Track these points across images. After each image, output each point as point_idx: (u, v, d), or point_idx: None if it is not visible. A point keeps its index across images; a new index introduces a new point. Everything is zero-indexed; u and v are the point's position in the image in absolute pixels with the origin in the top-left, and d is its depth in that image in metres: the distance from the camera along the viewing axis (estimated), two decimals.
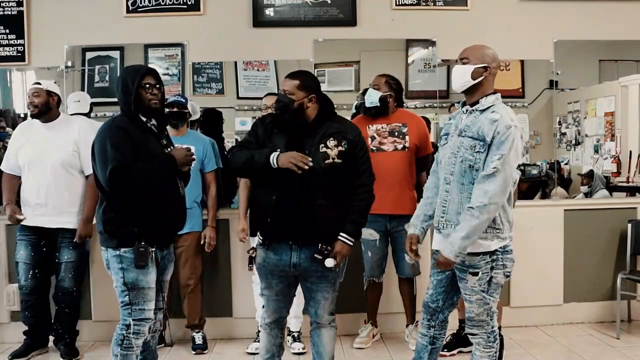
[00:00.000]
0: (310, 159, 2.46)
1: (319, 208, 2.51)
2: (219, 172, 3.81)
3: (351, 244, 2.61)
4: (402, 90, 3.84)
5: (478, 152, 2.43)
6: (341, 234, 2.58)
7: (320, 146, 2.53)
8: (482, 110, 2.48)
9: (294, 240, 2.56)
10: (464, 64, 2.50)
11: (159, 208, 2.62)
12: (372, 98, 3.67)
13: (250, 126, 2.71)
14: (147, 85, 2.63)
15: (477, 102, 2.50)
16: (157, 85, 2.67)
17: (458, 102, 2.71)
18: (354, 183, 2.60)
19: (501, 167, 2.37)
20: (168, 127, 3.15)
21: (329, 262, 2.55)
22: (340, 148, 2.54)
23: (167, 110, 3.19)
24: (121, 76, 2.73)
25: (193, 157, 2.75)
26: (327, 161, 2.51)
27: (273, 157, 2.48)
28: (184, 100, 3.73)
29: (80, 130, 3.52)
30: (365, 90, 3.77)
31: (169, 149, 2.73)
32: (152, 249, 2.62)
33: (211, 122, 4.26)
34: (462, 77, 2.49)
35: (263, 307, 2.78)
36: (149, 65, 2.87)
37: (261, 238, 2.63)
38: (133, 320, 2.62)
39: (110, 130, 2.57)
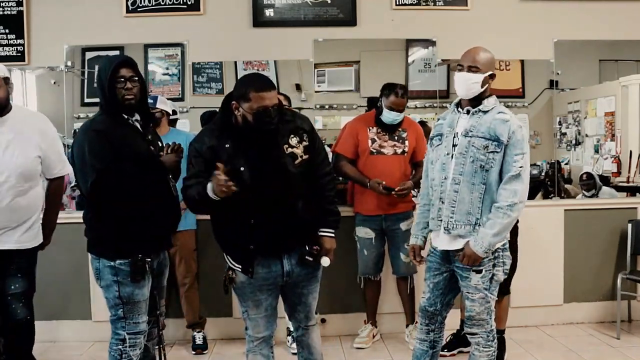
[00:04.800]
0: (231, 182, 2.17)
1: (301, 211, 2.40)
2: None
3: (334, 235, 2.51)
4: None
5: (492, 152, 2.45)
6: (323, 230, 2.49)
7: (285, 147, 2.36)
8: (486, 112, 2.51)
9: (284, 251, 2.42)
10: (473, 72, 2.50)
11: (152, 213, 2.44)
12: (399, 119, 3.69)
13: (188, 153, 2.41)
14: (122, 79, 2.39)
15: (479, 104, 2.53)
16: (135, 78, 2.43)
17: (450, 103, 2.71)
18: (319, 173, 2.48)
19: (525, 166, 2.44)
20: None
21: (325, 262, 2.47)
22: (304, 143, 2.41)
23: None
24: (97, 69, 2.48)
25: (181, 148, 2.57)
26: (297, 161, 2.37)
27: (209, 190, 2.22)
28: (151, 101, 3.60)
29: (41, 131, 2.88)
30: (387, 94, 3.65)
31: (153, 147, 2.56)
32: (148, 260, 2.45)
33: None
34: (472, 86, 2.50)
35: (247, 330, 2.57)
36: (127, 59, 2.51)
37: (239, 267, 2.40)
38: (128, 334, 2.46)
39: (87, 135, 2.37)
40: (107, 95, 2.40)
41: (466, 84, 2.51)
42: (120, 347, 2.47)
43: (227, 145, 2.32)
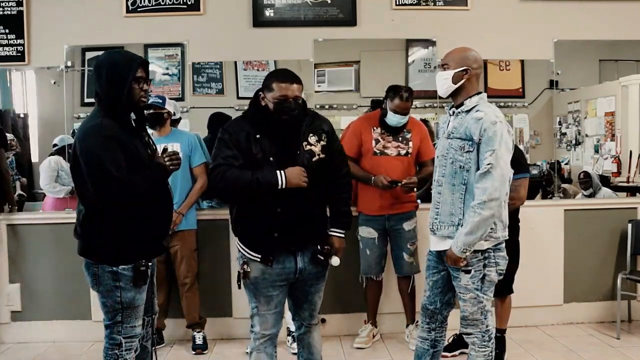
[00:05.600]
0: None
1: (315, 208, 2.49)
2: (208, 167, 3.76)
3: (344, 236, 2.60)
4: None
5: (468, 152, 2.45)
6: (334, 230, 2.57)
7: (304, 144, 2.47)
8: (468, 111, 2.51)
9: (299, 247, 2.49)
10: (445, 69, 2.54)
11: (153, 215, 2.43)
12: (403, 122, 3.67)
13: (222, 137, 2.47)
14: (140, 79, 2.35)
15: (462, 104, 2.53)
16: (149, 79, 2.42)
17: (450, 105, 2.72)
18: (336, 175, 2.58)
19: (495, 163, 2.38)
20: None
21: (336, 261, 2.55)
22: (322, 142, 2.51)
23: (145, 112, 2.86)
24: (107, 63, 2.35)
25: (179, 160, 2.53)
26: (314, 159, 2.47)
27: (281, 178, 2.36)
28: (160, 101, 3.67)
29: None
30: (391, 97, 3.64)
31: (148, 147, 2.51)
32: (150, 264, 2.44)
33: (218, 124, 4.23)
34: (444, 83, 2.53)
35: (253, 327, 2.56)
36: (145, 59, 2.47)
37: (258, 256, 2.46)
38: (124, 338, 2.42)
39: (99, 141, 2.28)
40: (123, 93, 2.31)
41: (439, 82, 2.56)
42: (116, 351, 2.42)
43: (258, 136, 2.42)
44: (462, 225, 2.46)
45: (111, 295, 2.39)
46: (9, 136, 4.24)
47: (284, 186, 2.36)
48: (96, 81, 2.36)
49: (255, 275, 2.47)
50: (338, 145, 2.62)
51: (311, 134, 2.49)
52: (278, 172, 2.36)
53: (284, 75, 2.47)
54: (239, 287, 2.52)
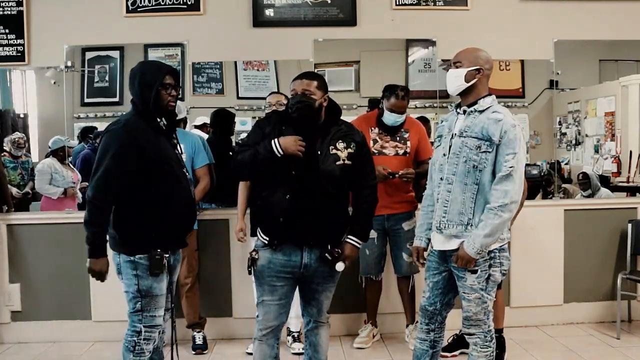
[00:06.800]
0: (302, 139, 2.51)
1: (330, 209, 2.54)
2: (211, 168, 3.77)
3: (359, 246, 2.65)
4: None
5: (484, 152, 2.45)
6: (350, 237, 2.62)
7: (330, 148, 2.55)
8: (481, 111, 2.51)
9: (305, 242, 2.54)
10: (457, 67, 2.55)
11: (171, 211, 2.56)
12: (400, 121, 3.69)
13: (253, 126, 2.72)
14: (168, 85, 2.57)
15: (475, 103, 2.53)
16: (176, 86, 2.62)
17: (451, 104, 2.73)
18: (361, 185, 2.64)
19: (516, 166, 2.42)
20: None
21: (340, 266, 2.58)
22: (349, 150, 2.57)
23: None
24: (139, 70, 2.61)
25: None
26: (338, 162, 2.53)
27: (275, 144, 2.48)
28: None
29: None
30: (387, 96, 3.66)
31: (177, 151, 2.70)
32: (166, 255, 2.57)
33: (222, 122, 4.25)
34: (455, 81, 2.54)
35: (257, 317, 2.64)
36: (174, 68, 2.70)
37: (266, 239, 2.57)
38: (144, 326, 2.56)
39: (118, 132, 2.48)
40: (151, 97, 2.52)
41: (450, 79, 2.57)
42: (135, 338, 2.56)
43: (284, 128, 2.58)
44: (471, 225, 2.47)
45: (130, 284, 2.55)
46: (19, 134, 4.30)
47: (281, 152, 2.46)
48: (130, 88, 2.61)
49: (262, 263, 2.58)
50: (368, 157, 2.69)
51: (340, 140, 2.58)
52: (273, 140, 2.48)
53: (299, 75, 2.64)
54: (249, 273, 2.63)
